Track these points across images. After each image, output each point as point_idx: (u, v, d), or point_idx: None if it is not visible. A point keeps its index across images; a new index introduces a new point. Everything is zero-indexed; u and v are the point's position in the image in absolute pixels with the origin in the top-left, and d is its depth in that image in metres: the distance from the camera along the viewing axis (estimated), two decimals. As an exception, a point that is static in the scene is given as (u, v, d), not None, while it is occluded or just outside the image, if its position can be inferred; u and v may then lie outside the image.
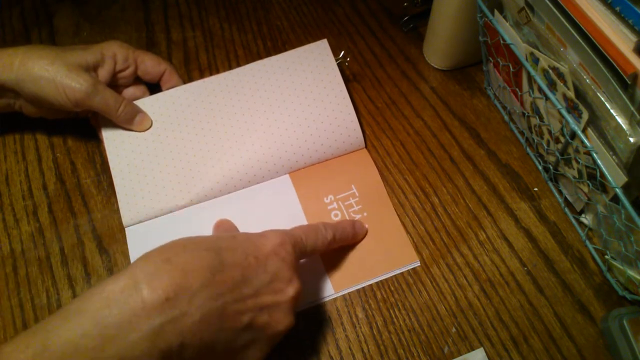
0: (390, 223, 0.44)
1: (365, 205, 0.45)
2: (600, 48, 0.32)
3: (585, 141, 0.35)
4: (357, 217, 0.45)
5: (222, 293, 0.30)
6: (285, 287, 0.33)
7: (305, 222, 0.45)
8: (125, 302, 0.27)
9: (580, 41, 0.34)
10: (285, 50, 0.50)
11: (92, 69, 0.45)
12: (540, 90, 0.39)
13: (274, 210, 0.45)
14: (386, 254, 0.43)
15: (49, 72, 0.42)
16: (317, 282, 0.42)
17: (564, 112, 0.37)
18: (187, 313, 0.28)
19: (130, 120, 0.47)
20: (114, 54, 0.47)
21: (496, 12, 0.43)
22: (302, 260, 0.39)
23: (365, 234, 0.44)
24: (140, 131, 0.48)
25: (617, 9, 0.31)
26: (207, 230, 0.44)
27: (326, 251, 0.41)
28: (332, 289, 0.42)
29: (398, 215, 0.45)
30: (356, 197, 0.46)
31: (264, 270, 0.32)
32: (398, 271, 0.42)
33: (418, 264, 0.43)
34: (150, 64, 0.49)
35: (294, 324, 0.34)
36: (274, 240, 0.34)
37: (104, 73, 0.46)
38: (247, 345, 0.31)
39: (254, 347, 0.32)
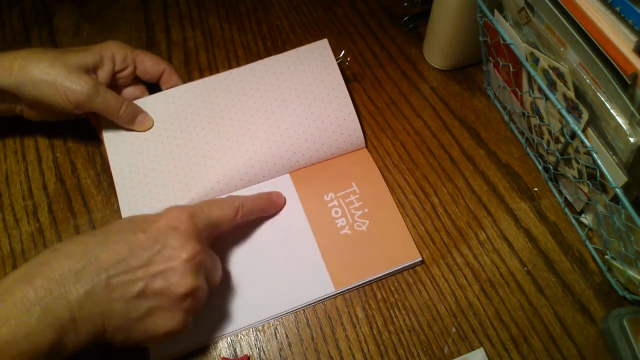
0: (392, 220, 0.44)
1: (366, 201, 0.45)
2: (600, 48, 0.32)
3: (585, 141, 0.35)
4: (359, 213, 0.45)
5: (105, 268, 0.33)
6: (177, 253, 0.34)
7: (306, 221, 0.45)
8: (14, 290, 0.31)
9: (580, 41, 0.34)
10: (285, 50, 0.50)
11: (91, 70, 0.45)
12: (540, 90, 0.39)
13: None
14: (388, 250, 0.43)
15: (49, 75, 0.42)
16: (318, 280, 0.42)
17: (564, 112, 0.37)
18: (71, 290, 0.31)
19: (132, 120, 0.47)
20: (113, 54, 0.46)
21: (496, 12, 0.43)
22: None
23: (284, 203, 0.45)
24: (141, 131, 0.48)
25: (617, 9, 0.31)
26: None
27: (241, 221, 0.41)
28: (332, 287, 0.41)
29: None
30: (357, 194, 0.46)
31: (154, 242, 0.35)
32: (400, 267, 0.42)
33: (420, 259, 0.42)
34: (149, 64, 0.49)
35: (198, 284, 0.35)
36: (168, 215, 0.36)
37: (103, 74, 0.46)
38: (149, 312, 0.33)
39: (159, 313, 0.34)
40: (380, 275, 0.42)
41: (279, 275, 0.42)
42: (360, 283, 0.42)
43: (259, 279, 0.42)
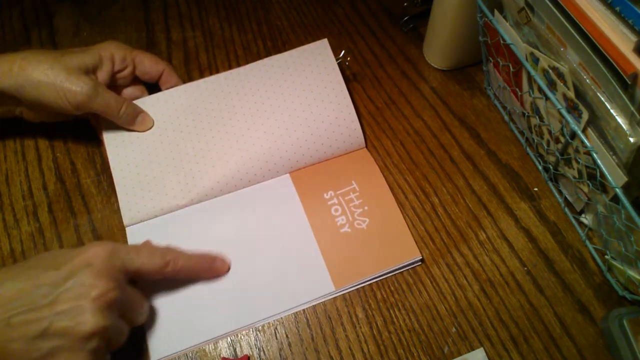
0: (392, 218, 0.44)
1: (365, 199, 0.45)
2: (600, 48, 0.32)
3: (585, 141, 0.35)
4: (358, 211, 0.44)
5: (7, 306, 0.32)
6: (87, 290, 0.33)
7: (306, 221, 0.44)
8: None
9: (580, 41, 0.34)
10: (285, 50, 0.50)
11: (91, 71, 0.45)
12: (540, 90, 0.39)
13: (274, 209, 0.45)
14: (388, 249, 0.43)
15: (48, 77, 0.42)
16: (317, 279, 0.42)
17: (564, 112, 0.37)
18: None
19: (132, 120, 0.47)
20: (112, 54, 0.46)
21: (496, 12, 0.43)
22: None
23: (227, 270, 0.42)
24: (141, 131, 0.48)
25: (617, 9, 0.31)
26: (207, 230, 0.44)
27: (169, 276, 0.39)
28: (332, 286, 0.41)
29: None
30: (357, 192, 0.46)
31: (65, 279, 0.33)
32: (400, 265, 0.42)
33: (420, 257, 0.42)
34: (148, 64, 0.49)
35: (107, 324, 0.33)
36: (88, 250, 0.35)
37: (102, 74, 0.46)
38: (51, 353, 0.32)
39: (62, 354, 0.32)
40: (381, 273, 0.42)
41: (278, 275, 0.42)
42: (360, 282, 0.42)
43: (259, 279, 0.42)
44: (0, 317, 0.31)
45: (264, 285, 0.42)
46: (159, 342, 0.39)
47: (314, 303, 0.41)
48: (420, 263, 0.43)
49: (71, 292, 0.33)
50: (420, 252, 0.43)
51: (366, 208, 0.45)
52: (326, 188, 0.46)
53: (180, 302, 0.41)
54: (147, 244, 0.39)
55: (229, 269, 0.42)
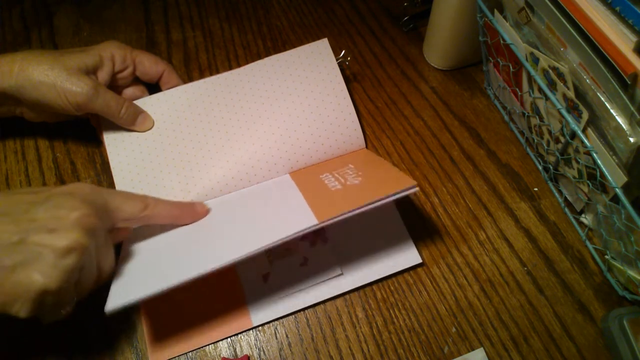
0: (384, 167, 0.42)
1: (360, 168, 0.43)
2: (600, 48, 0.32)
3: (585, 141, 0.35)
4: (352, 175, 0.42)
5: None
6: (67, 212, 0.33)
7: (302, 199, 0.41)
8: None
9: (580, 41, 0.34)
10: (285, 50, 0.50)
11: (91, 71, 0.45)
12: (540, 90, 0.39)
13: (274, 208, 0.45)
14: (378, 183, 0.38)
15: (49, 77, 0.42)
16: (298, 215, 0.37)
17: (564, 112, 0.37)
18: None
19: (133, 121, 0.47)
20: (112, 55, 0.46)
21: (496, 12, 0.43)
22: None
23: (205, 213, 0.42)
24: (142, 131, 0.48)
25: (617, 9, 0.31)
26: (207, 229, 0.44)
27: (146, 221, 0.39)
28: (314, 219, 0.36)
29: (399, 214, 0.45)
30: (352, 168, 0.44)
31: (46, 201, 0.33)
32: (394, 194, 0.35)
33: (415, 185, 0.35)
34: (148, 64, 0.49)
35: (86, 244, 0.32)
36: (70, 185, 0.36)
37: (103, 75, 0.46)
38: (24, 263, 0.31)
39: (35, 266, 0.31)
40: (371, 203, 0.35)
41: (260, 218, 0.40)
42: (346, 213, 0.35)
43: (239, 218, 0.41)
44: None
45: (247, 229, 0.39)
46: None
47: (298, 234, 0.36)
48: (420, 263, 0.43)
49: (52, 211, 0.33)
50: (420, 253, 0.43)
51: (361, 173, 0.42)
52: (323, 172, 0.45)
53: (157, 245, 0.40)
54: (124, 191, 0.40)
55: (207, 212, 0.42)
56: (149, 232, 0.42)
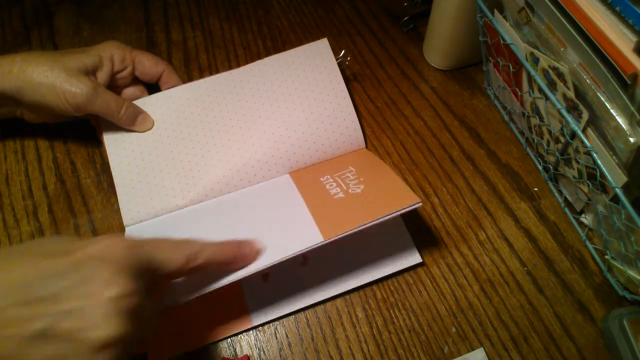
0: (387, 177, 0.41)
1: (361, 173, 0.43)
2: (600, 48, 0.32)
3: (585, 141, 0.35)
4: (354, 182, 0.42)
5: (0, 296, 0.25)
6: (102, 288, 0.27)
7: (307, 211, 0.41)
8: None
9: (580, 41, 0.34)
10: (285, 50, 0.50)
11: (90, 72, 0.45)
12: (540, 90, 0.39)
13: (275, 208, 0.45)
14: (383, 198, 0.38)
15: (48, 78, 0.42)
16: (305, 231, 0.38)
17: (564, 112, 0.37)
18: None
19: (132, 121, 0.47)
20: (112, 55, 0.46)
21: (496, 12, 0.43)
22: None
23: (257, 254, 0.37)
24: (141, 131, 0.48)
25: (617, 9, 0.31)
26: (207, 230, 0.44)
27: (193, 273, 0.34)
28: (320, 236, 0.36)
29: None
30: (353, 171, 0.44)
31: (73, 271, 0.27)
32: (399, 211, 0.36)
33: (420, 202, 0.36)
34: (147, 64, 0.49)
35: (125, 333, 0.27)
36: (101, 241, 0.29)
37: (102, 75, 0.46)
38: None
39: None
40: (375, 221, 0.36)
41: (267, 239, 0.39)
42: (352, 230, 0.36)
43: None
44: None
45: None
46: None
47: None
48: (420, 263, 0.43)
49: (81, 289, 0.26)
50: (420, 253, 0.43)
51: (362, 179, 0.43)
52: (323, 174, 0.45)
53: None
54: (164, 238, 0.33)
55: (258, 252, 0.37)
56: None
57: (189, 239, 0.34)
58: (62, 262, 0.27)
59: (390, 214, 0.36)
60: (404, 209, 0.36)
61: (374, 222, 0.36)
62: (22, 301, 0.25)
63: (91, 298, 0.26)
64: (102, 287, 0.27)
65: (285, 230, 0.39)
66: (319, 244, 0.36)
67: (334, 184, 0.43)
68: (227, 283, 0.36)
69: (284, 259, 0.36)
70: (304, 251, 0.36)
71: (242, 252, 0.36)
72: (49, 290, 0.26)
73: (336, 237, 0.35)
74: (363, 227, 0.35)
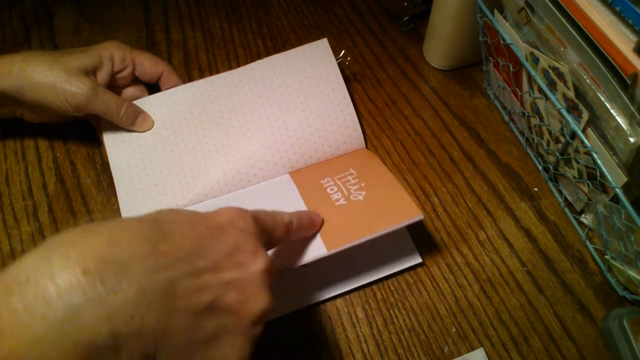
0: (389, 185, 0.42)
1: (362, 178, 0.43)
2: (600, 48, 0.32)
3: (585, 141, 0.35)
4: (355, 187, 0.43)
5: (167, 265, 0.23)
6: (250, 260, 0.27)
7: (300, 200, 0.43)
8: (30, 282, 0.20)
9: (580, 41, 0.34)
10: (285, 50, 0.50)
11: (90, 72, 0.45)
12: (540, 90, 0.39)
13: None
14: (385, 211, 0.39)
15: (48, 78, 0.42)
16: (309, 244, 0.39)
17: (564, 112, 0.37)
18: (116, 290, 0.21)
19: (132, 121, 0.47)
20: (112, 55, 0.46)
21: (496, 12, 0.43)
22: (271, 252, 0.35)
23: (321, 223, 0.39)
24: (141, 131, 0.48)
25: (617, 9, 0.31)
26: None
27: (285, 239, 0.35)
28: (324, 249, 0.38)
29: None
30: (354, 174, 0.44)
31: (220, 241, 0.26)
32: (401, 224, 0.37)
33: (422, 217, 0.37)
34: (147, 65, 0.49)
35: (272, 304, 0.27)
36: (230, 212, 0.29)
37: (102, 75, 0.46)
38: (216, 335, 0.25)
39: (227, 338, 0.25)
40: (378, 234, 0.37)
41: None
42: (354, 243, 0.37)
43: None
44: (161, 278, 0.23)
45: None
46: None
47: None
48: (420, 263, 0.43)
49: (233, 259, 0.26)
50: (420, 253, 0.43)
51: (363, 184, 0.43)
52: (323, 176, 0.45)
53: None
54: (261, 210, 0.32)
55: (322, 220, 0.39)
56: None
57: (274, 210, 0.34)
58: (208, 231, 0.26)
59: (393, 228, 0.37)
60: (406, 222, 0.37)
61: (377, 235, 0.37)
62: (190, 272, 0.24)
63: (243, 269, 0.26)
64: (251, 258, 0.27)
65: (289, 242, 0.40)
66: (322, 256, 0.37)
67: (335, 188, 0.43)
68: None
69: (288, 269, 0.37)
70: (307, 262, 0.37)
71: (312, 219, 0.38)
72: (209, 261, 0.25)
73: (339, 250, 0.37)
74: (366, 239, 0.37)
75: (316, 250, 0.37)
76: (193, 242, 0.25)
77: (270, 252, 0.35)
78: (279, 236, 0.33)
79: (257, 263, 0.27)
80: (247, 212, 0.30)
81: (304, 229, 0.37)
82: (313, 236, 0.39)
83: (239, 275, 0.26)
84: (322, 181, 0.45)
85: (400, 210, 0.38)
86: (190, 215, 0.28)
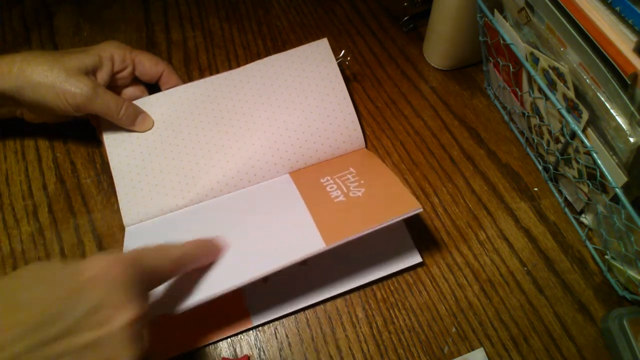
0: (387, 180, 0.41)
1: (362, 176, 0.43)
2: (600, 48, 0.32)
3: (585, 141, 0.35)
4: (354, 184, 0.43)
5: (13, 340, 0.23)
6: (114, 314, 0.26)
7: (309, 216, 0.42)
8: None
9: (580, 41, 0.34)
10: (285, 50, 0.50)
11: (90, 72, 0.45)
12: (540, 90, 0.39)
13: (275, 209, 0.45)
14: (383, 205, 0.39)
15: (47, 79, 0.42)
16: (306, 237, 0.38)
17: (564, 112, 0.37)
18: None
19: (132, 121, 0.47)
20: (112, 55, 0.46)
21: (496, 12, 0.43)
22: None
23: (224, 248, 0.38)
24: (141, 131, 0.48)
25: (617, 9, 0.31)
26: (207, 230, 0.44)
27: (178, 272, 0.35)
28: (322, 243, 0.37)
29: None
30: (353, 173, 0.44)
31: (79, 301, 0.26)
32: (400, 217, 0.36)
33: (420, 209, 0.36)
34: (147, 65, 0.48)
35: (141, 352, 0.27)
36: (99, 263, 0.28)
37: (102, 75, 0.46)
38: None
39: None
40: (376, 228, 0.36)
41: (268, 245, 0.39)
42: (353, 237, 0.36)
43: (250, 255, 0.40)
44: (7, 354, 0.23)
45: (253, 249, 0.39)
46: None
47: (304, 257, 0.37)
48: (420, 262, 0.43)
49: (92, 317, 0.25)
50: (420, 253, 0.43)
51: (362, 182, 0.43)
52: (323, 175, 0.45)
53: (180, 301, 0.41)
54: (149, 246, 0.33)
55: (225, 247, 0.39)
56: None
57: (167, 243, 0.34)
58: (66, 292, 0.26)
59: (392, 220, 0.36)
60: (404, 215, 0.36)
61: (375, 228, 0.36)
62: (39, 343, 0.24)
63: (106, 326, 0.26)
64: (114, 312, 0.26)
65: (286, 234, 0.39)
66: (321, 250, 0.36)
67: (335, 186, 0.43)
68: (228, 291, 0.36)
69: (286, 265, 0.36)
70: (305, 257, 0.36)
71: (213, 245, 0.38)
72: (63, 326, 0.25)
73: (338, 244, 0.36)
74: (364, 233, 0.36)
75: (314, 245, 0.36)
76: (47, 307, 0.25)
77: (163, 289, 0.36)
78: (168, 272, 0.32)
79: (121, 317, 0.26)
80: (120, 258, 0.29)
81: (202, 259, 0.37)
82: (309, 230, 0.38)
83: (98, 335, 0.25)
84: (321, 180, 0.45)
85: (399, 203, 0.38)
86: (54, 273, 0.27)
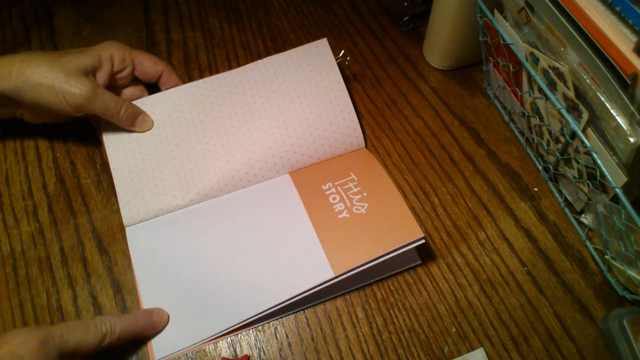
0: (391, 200, 0.43)
1: (364, 187, 0.44)
2: (600, 48, 0.32)
3: (585, 141, 0.35)
4: (357, 197, 0.43)
5: None
6: None
7: (305, 213, 0.44)
8: None
9: (580, 41, 0.34)
10: (285, 50, 0.50)
11: (90, 72, 0.45)
12: (540, 90, 0.39)
13: (274, 208, 0.45)
14: (388, 231, 0.40)
15: (47, 79, 0.42)
16: (316, 267, 0.40)
17: (564, 112, 0.37)
18: None
19: (132, 121, 0.47)
20: (111, 55, 0.46)
21: (496, 12, 0.43)
22: None
23: (165, 323, 0.39)
24: (141, 131, 0.48)
25: (617, 9, 0.31)
26: (207, 230, 0.44)
27: (104, 347, 0.35)
28: (331, 272, 0.39)
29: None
30: (355, 181, 0.45)
31: None
32: (401, 244, 0.39)
33: (423, 240, 0.39)
34: (147, 65, 0.48)
35: None
36: (13, 340, 0.29)
37: (102, 75, 0.46)
38: None
39: None
40: (381, 255, 0.39)
41: (277, 268, 0.41)
42: (360, 266, 0.39)
43: (257, 274, 0.41)
44: None
45: (261, 279, 0.41)
46: (161, 341, 0.39)
47: (314, 290, 0.39)
48: (420, 263, 0.43)
49: None
50: (420, 254, 0.43)
51: (365, 194, 0.44)
52: (324, 180, 0.46)
53: (180, 301, 0.41)
54: (75, 321, 0.34)
55: (167, 320, 0.40)
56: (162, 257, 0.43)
57: (102, 317, 0.36)
58: None
59: (396, 250, 0.39)
60: (408, 243, 0.39)
61: (381, 258, 0.39)
62: None
63: None
64: None
65: (294, 261, 0.41)
66: (330, 280, 0.39)
67: (337, 197, 0.44)
68: (239, 325, 0.39)
69: (298, 297, 0.39)
70: (314, 286, 0.39)
71: (153, 322, 0.39)
72: None
73: (346, 275, 0.39)
74: (371, 260, 0.39)
75: (323, 274, 0.39)
76: None
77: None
78: (91, 347, 0.33)
79: None
80: (38, 334, 0.29)
81: (136, 334, 0.38)
82: (317, 257, 0.40)
83: None
84: (323, 187, 0.45)
85: (402, 229, 0.40)
86: None
